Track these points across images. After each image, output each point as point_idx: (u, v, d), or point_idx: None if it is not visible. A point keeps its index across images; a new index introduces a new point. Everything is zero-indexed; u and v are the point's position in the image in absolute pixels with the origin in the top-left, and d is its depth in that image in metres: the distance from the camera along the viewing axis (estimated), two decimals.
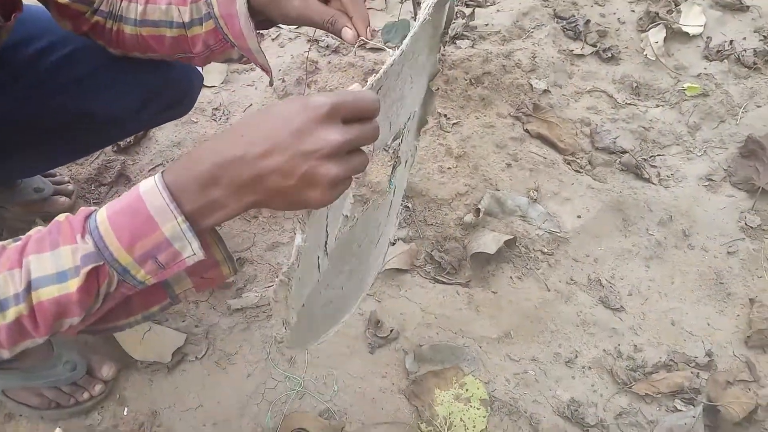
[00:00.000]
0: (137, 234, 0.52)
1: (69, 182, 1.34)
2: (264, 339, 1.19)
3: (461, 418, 1.11)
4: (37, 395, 1.06)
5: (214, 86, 1.58)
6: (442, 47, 0.86)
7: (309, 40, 1.69)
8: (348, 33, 0.72)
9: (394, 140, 0.81)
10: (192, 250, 0.53)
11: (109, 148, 1.44)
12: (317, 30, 1.68)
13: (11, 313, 0.52)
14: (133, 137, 1.43)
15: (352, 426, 1.10)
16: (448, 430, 1.10)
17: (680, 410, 1.16)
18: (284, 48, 1.70)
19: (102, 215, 0.53)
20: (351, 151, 0.52)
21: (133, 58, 0.93)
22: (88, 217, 0.54)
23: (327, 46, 1.67)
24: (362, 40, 0.73)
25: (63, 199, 1.31)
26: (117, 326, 0.66)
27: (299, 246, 0.56)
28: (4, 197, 1.25)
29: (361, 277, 0.94)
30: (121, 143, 1.44)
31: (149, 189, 0.52)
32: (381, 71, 0.57)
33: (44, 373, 1.05)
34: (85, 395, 1.08)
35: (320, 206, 0.53)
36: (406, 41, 0.59)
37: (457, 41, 1.70)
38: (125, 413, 1.10)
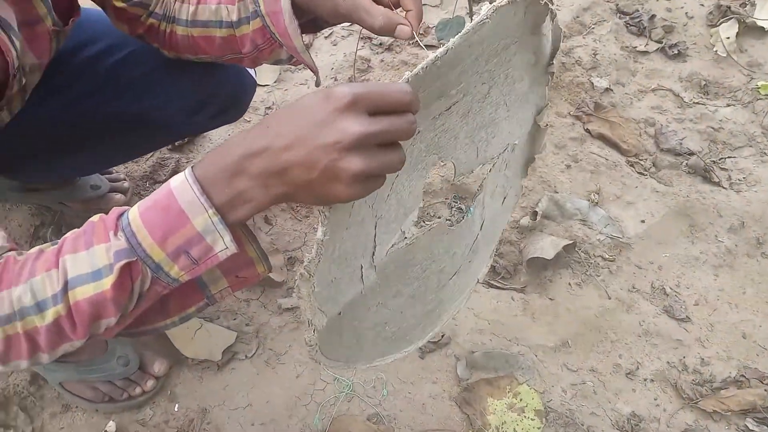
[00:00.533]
0: (169, 229, 0.51)
1: (125, 180, 1.36)
2: None
3: (514, 429, 1.07)
4: (91, 388, 1.08)
5: (267, 85, 1.58)
6: (550, 80, 0.81)
7: (362, 37, 1.67)
8: (404, 30, 0.68)
9: (482, 168, 0.78)
10: (224, 244, 0.53)
11: None
12: None
13: (50, 314, 0.52)
14: None
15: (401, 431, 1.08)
16: None
17: (752, 430, 1.08)
18: (337, 46, 1.68)
19: (134, 213, 0.53)
20: (382, 146, 0.49)
21: (187, 62, 0.93)
22: (120, 215, 0.54)
23: (380, 44, 1.65)
24: (416, 37, 0.69)
25: (119, 196, 1.33)
26: (154, 328, 0.65)
27: (320, 240, 0.55)
28: (64, 194, 1.28)
29: (430, 309, 0.89)
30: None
31: (180, 184, 0.52)
32: (419, 66, 0.53)
33: (99, 367, 1.06)
34: (138, 390, 1.09)
35: (347, 200, 0.50)
36: (454, 39, 0.55)
37: None
38: (176, 409, 1.10)
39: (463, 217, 0.83)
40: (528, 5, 0.65)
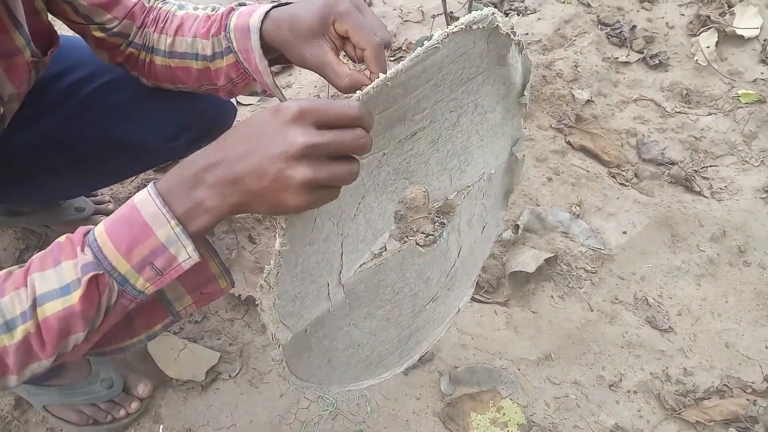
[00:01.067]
0: (133, 241, 0.54)
1: (109, 201, 1.37)
2: None
3: None
4: (75, 411, 1.08)
5: (251, 104, 1.60)
6: (523, 111, 0.82)
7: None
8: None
9: (456, 196, 0.80)
10: (187, 254, 0.55)
11: None
12: None
13: (19, 332, 0.54)
14: None
15: None
16: None
17: None
18: None
19: (99, 228, 0.55)
20: (333, 158, 0.52)
21: (167, 90, 0.94)
22: (87, 233, 0.56)
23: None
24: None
25: (104, 218, 1.34)
26: (121, 347, 0.66)
27: (277, 251, 0.57)
28: (48, 217, 1.29)
29: (406, 335, 0.89)
30: None
31: (143, 198, 0.54)
32: (370, 86, 0.55)
33: (82, 390, 1.07)
34: (122, 412, 1.09)
35: (298, 209, 0.53)
36: (404, 62, 0.57)
37: None
38: (161, 430, 1.10)
39: (434, 241, 0.84)
40: (489, 35, 0.66)
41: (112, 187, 1.42)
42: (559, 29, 1.74)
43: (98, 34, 0.85)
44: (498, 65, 0.72)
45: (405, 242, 0.79)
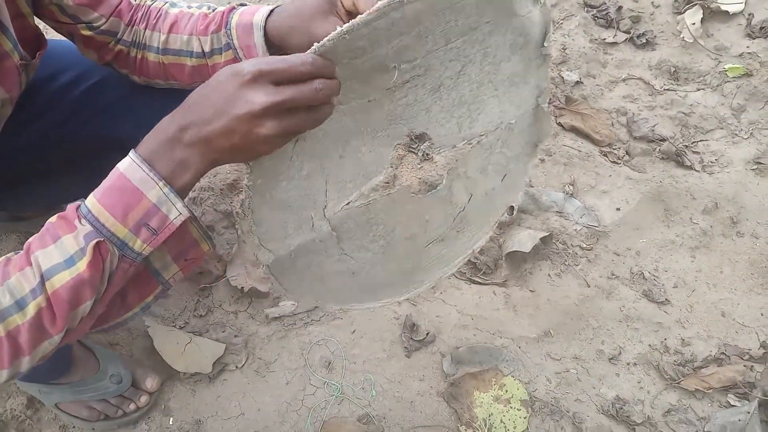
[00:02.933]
0: (127, 206, 0.57)
1: None
2: (302, 346, 1.20)
3: (501, 420, 1.09)
4: (87, 408, 1.10)
5: None
6: (547, 61, 0.82)
7: None
8: None
9: (466, 143, 0.82)
10: (178, 210, 0.59)
11: None
12: None
13: (31, 309, 0.56)
14: None
15: (390, 430, 1.10)
16: (488, 431, 1.08)
17: (734, 405, 1.11)
18: None
19: (91, 200, 0.58)
20: (293, 109, 0.57)
21: (157, 87, 0.96)
22: (78, 207, 0.59)
23: None
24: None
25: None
26: (119, 322, 0.69)
27: (246, 185, 0.66)
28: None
29: (407, 270, 0.93)
30: None
31: (128, 166, 0.58)
32: (327, 38, 0.59)
33: (92, 386, 1.09)
34: (132, 407, 1.11)
35: (271, 153, 0.61)
36: (361, 16, 0.60)
37: None
38: (171, 423, 1.13)
39: (431, 189, 0.86)
40: None
41: None
42: None
43: (86, 32, 0.87)
44: (506, 16, 0.73)
45: (393, 186, 0.82)
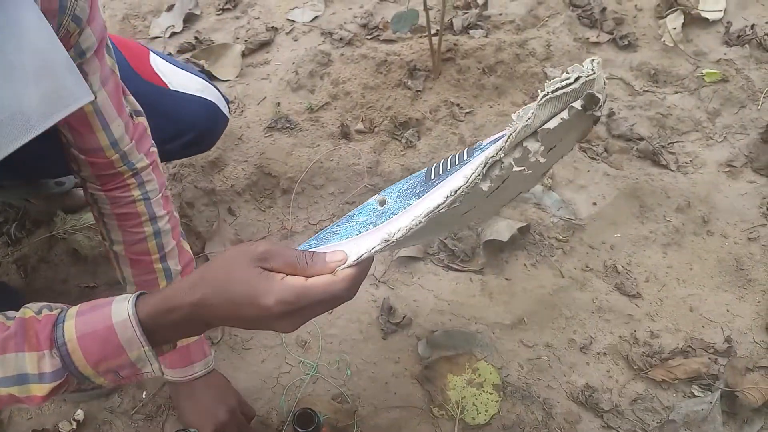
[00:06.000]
0: (104, 357, 0.58)
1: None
2: None
3: (473, 403, 1.11)
4: None
5: (229, 80, 1.61)
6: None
7: (322, 33, 1.71)
8: None
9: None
10: (151, 369, 0.60)
11: None
12: (331, 22, 1.70)
13: None
14: None
15: (364, 410, 1.11)
16: (460, 414, 1.10)
17: (697, 396, 1.14)
18: (298, 41, 1.72)
19: (70, 333, 0.58)
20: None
21: (160, 95, 0.99)
22: (54, 328, 0.58)
23: (340, 39, 1.69)
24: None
25: (83, 191, 1.34)
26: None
27: None
28: (28, 191, 1.29)
29: (488, 211, 0.89)
30: None
31: (122, 321, 0.57)
32: (363, 255, 0.55)
33: None
34: None
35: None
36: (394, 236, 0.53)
37: (470, 31, 1.70)
38: (143, 396, 1.12)
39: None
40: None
41: None
42: (532, 10, 1.78)
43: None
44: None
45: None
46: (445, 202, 0.51)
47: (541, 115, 0.52)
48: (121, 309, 0.58)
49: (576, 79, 0.51)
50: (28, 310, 0.60)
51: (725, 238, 1.38)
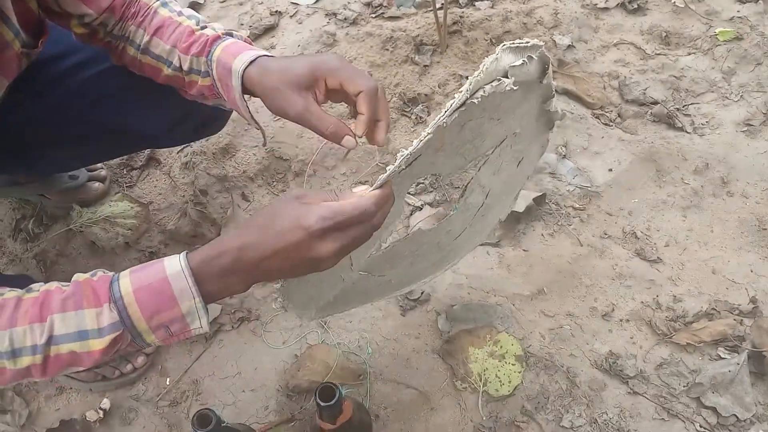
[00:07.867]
0: (158, 310, 0.60)
1: (102, 168, 1.38)
2: None
3: (496, 375, 1.11)
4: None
5: None
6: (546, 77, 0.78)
7: (326, 14, 1.69)
8: (349, 141, 0.74)
9: (474, 165, 0.86)
10: (200, 324, 0.62)
11: None
12: (334, 3, 1.69)
13: (24, 362, 0.59)
14: None
15: (387, 386, 1.11)
16: (483, 386, 1.10)
17: (724, 358, 1.13)
18: (302, 24, 1.70)
19: (126, 287, 0.60)
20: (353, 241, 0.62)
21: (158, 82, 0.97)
22: (111, 284, 0.61)
23: (345, 19, 1.67)
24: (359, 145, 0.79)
25: (97, 184, 1.35)
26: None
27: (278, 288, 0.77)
28: (43, 186, 1.30)
29: (444, 255, 1.02)
30: None
31: (176, 273, 0.60)
32: (386, 175, 0.62)
33: None
34: (129, 367, 1.12)
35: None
36: (412, 150, 0.62)
37: (476, 2, 1.67)
38: (168, 383, 1.13)
39: (442, 219, 0.93)
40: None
41: None
42: None
43: (78, 29, 0.89)
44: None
45: (409, 230, 0.89)
46: (434, 121, 0.65)
47: (503, 60, 0.65)
48: (174, 262, 0.60)
49: (531, 44, 0.68)
50: (81, 275, 0.63)
51: (746, 198, 1.35)
